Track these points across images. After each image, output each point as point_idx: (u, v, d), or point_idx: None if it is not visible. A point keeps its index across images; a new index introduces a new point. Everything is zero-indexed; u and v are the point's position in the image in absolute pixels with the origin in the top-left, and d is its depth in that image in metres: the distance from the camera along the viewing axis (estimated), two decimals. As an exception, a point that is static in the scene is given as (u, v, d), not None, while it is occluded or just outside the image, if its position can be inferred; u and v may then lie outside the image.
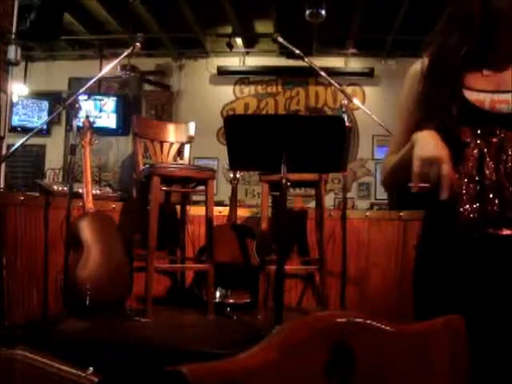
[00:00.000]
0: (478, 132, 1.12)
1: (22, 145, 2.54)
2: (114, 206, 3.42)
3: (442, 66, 1.18)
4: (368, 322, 0.66)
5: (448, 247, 1.14)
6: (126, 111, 6.49)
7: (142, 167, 3.15)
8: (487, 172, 1.10)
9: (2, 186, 3.79)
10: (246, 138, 2.30)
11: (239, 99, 6.89)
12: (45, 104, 6.60)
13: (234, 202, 3.58)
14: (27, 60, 6.58)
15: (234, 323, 2.81)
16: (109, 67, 2.92)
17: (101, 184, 5.22)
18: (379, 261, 3.27)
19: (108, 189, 3.83)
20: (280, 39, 2.87)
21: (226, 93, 6.84)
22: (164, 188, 3.08)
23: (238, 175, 3.81)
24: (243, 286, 3.17)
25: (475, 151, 1.12)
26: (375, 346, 0.66)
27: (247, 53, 6.67)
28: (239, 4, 5.43)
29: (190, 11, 5.55)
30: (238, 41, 6.35)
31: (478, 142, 1.12)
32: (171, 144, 3.39)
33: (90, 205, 3.04)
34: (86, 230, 2.90)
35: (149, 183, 2.90)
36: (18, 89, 5.90)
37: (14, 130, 6.00)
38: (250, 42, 6.57)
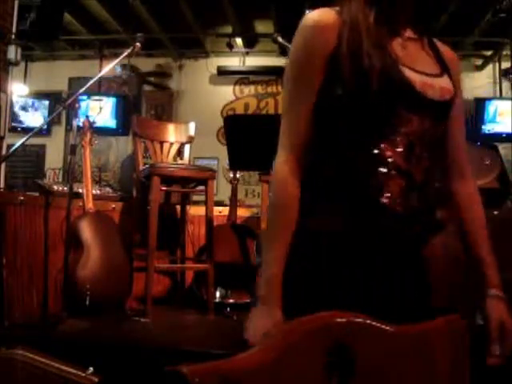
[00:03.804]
0: (409, 116, 0.96)
1: (22, 145, 2.54)
2: (113, 206, 3.42)
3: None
4: (368, 321, 0.66)
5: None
6: (125, 111, 6.49)
7: (141, 167, 3.15)
8: (410, 162, 0.97)
9: (1, 185, 3.79)
10: (246, 138, 2.30)
11: (239, 99, 6.89)
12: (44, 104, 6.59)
13: (233, 202, 3.58)
14: (27, 60, 6.57)
15: (233, 323, 2.81)
16: (109, 67, 2.92)
17: (101, 184, 5.22)
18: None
19: (108, 189, 3.83)
20: (280, 39, 2.87)
21: (226, 93, 6.84)
22: (164, 188, 3.08)
23: (237, 175, 3.81)
24: (243, 286, 3.17)
25: (404, 140, 0.96)
26: (375, 346, 0.66)
27: (247, 53, 6.66)
28: (239, 4, 5.42)
29: (190, 11, 5.55)
30: (238, 41, 6.35)
31: (404, 128, 0.96)
32: (171, 144, 3.39)
33: (90, 205, 3.04)
34: (86, 230, 2.90)
35: (149, 183, 2.90)
36: (17, 89, 5.89)
37: (14, 130, 6.00)
38: (250, 42, 6.57)
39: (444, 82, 1.02)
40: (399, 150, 0.95)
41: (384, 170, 0.95)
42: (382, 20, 0.98)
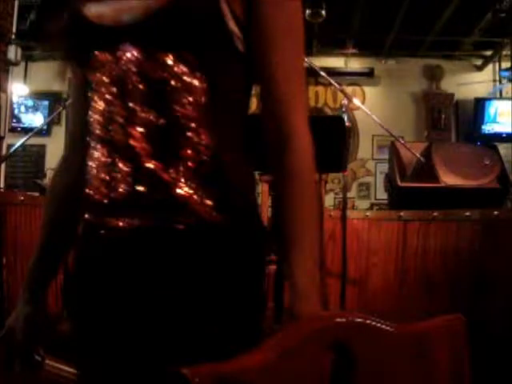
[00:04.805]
0: (100, 61, 0.71)
1: (22, 145, 2.54)
2: (114, 205, 3.42)
3: None
4: (368, 321, 0.66)
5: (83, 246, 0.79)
6: (125, 111, 6.49)
7: (142, 167, 3.15)
8: (113, 128, 0.70)
9: (1, 185, 3.80)
10: (246, 137, 2.30)
11: (239, 99, 6.91)
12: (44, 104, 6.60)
13: (234, 202, 3.58)
14: (27, 60, 6.57)
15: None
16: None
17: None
18: (379, 261, 3.27)
19: (108, 189, 3.83)
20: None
21: (226, 93, 6.85)
22: (164, 188, 3.08)
23: (238, 175, 3.81)
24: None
25: (105, 94, 0.71)
26: (375, 346, 0.66)
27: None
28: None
29: (190, 11, 5.56)
30: (238, 41, 6.36)
31: (103, 78, 0.71)
32: (171, 144, 3.39)
33: (90, 205, 3.04)
34: (86, 230, 2.90)
35: (149, 183, 2.90)
36: (17, 89, 5.90)
37: (14, 130, 6.01)
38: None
39: None
40: (100, 110, 0.72)
41: (90, 145, 0.74)
42: None
